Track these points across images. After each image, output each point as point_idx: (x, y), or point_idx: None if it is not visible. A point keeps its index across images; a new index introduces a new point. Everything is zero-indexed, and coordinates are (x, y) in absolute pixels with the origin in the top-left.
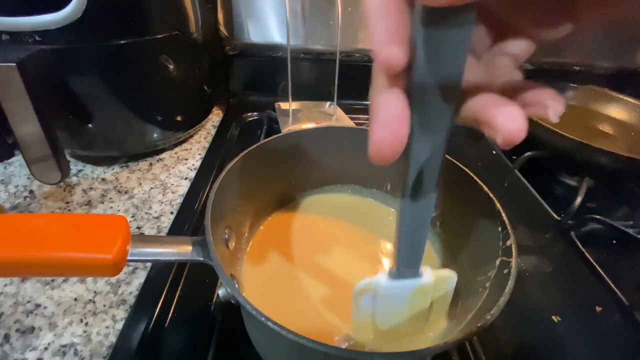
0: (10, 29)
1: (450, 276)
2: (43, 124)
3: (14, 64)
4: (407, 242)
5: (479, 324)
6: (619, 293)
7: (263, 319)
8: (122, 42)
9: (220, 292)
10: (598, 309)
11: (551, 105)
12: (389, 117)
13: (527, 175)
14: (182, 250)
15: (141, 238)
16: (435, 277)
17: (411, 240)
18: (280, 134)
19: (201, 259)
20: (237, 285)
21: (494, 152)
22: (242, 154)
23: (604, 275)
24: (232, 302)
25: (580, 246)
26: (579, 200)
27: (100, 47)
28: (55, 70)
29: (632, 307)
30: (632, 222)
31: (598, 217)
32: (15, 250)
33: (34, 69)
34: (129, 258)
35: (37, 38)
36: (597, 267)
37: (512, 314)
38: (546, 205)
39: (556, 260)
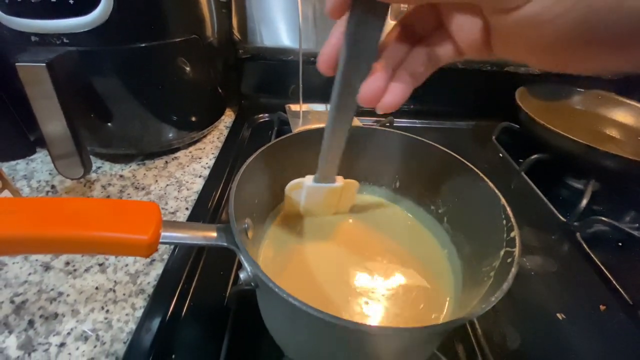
0: (40, 32)
1: (354, 183)
2: (69, 122)
3: (44, 65)
4: (327, 159)
5: (483, 305)
6: (623, 293)
7: (285, 295)
8: (144, 45)
9: (242, 275)
10: (602, 307)
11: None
12: (330, 45)
13: (534, 178)
14: (207, 236)
15: (171, 223)
16: (345, 183)
17: (331, 158)
18: (294, 132)
19: (225, 244)
20: None
21: (500, 154)
22: (261, 149)
23: (609, 275)
24: (252, 285)
25: (586, 247)
26: (584, 202)
27: (123, 49)
28: (81, 71)
29: (636, 307)
30: (637, 225)
31: (604, 218)
32: (61, 228)
33: (61, 69)
34: (161, 240)
35: (64, 40)
36: (602, 267)
37: (518, 311)
38: (552, 207)
39: (562, 260)
